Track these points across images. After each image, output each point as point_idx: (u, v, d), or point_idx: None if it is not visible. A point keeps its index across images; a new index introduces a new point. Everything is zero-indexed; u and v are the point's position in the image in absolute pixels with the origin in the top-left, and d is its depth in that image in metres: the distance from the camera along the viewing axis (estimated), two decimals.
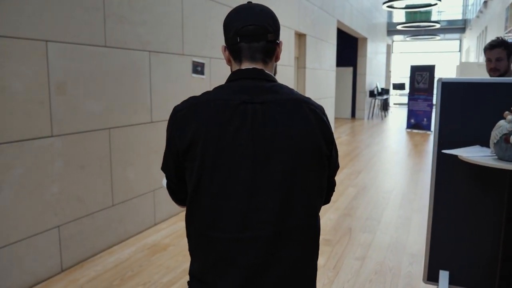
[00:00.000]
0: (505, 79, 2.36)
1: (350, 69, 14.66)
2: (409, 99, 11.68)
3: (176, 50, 3.86)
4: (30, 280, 2.66)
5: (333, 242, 3.51)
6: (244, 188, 1.02)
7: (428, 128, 11.30)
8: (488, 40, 10.75)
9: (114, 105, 3.18)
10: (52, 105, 2.71)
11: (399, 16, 20.26)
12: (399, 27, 17.37)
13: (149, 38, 3.50)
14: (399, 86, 19.42)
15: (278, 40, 1.18)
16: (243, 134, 1.03)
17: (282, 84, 1.14)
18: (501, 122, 2.04)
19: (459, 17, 19.34)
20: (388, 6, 13.72)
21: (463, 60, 20.39)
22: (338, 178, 5.75)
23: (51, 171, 2.72)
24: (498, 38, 3.06)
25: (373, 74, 15.80)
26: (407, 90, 20.07)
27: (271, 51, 1.15)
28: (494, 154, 2.09)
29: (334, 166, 1.22)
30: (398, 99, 22.75)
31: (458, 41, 22.43)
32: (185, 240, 3.23)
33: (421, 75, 11.41)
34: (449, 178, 2.49)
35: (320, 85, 8.69)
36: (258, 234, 1.03)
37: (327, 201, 1.27)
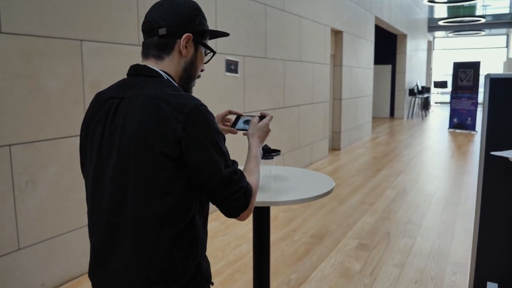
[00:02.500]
0: None
1: (389, 67, 14.24)
2: (451, 98, 11.20)
3: None
4: (63, 276, 2.68)
5: (370, 247, 3.36)
6: (92, 178, 1.13)
7: (472, 128, 10.79)
8: None
9: None
10: (86, 103, 2.72)
11: (440, 12, 19.50)
12: (441, 23, 16.71)
13: None
14: (441, 84, 18.70)
15: (179, 35, 1.16)
16: (98, 128, 1.12)
17: (157, 80, 1.13)
18: None
19: (506, 11, 18.38)
20: (429, 1, 13.22)
21: (510, 56, 19.40)
22: (376, 179, 5.56)
23: None
24: None
25: (413, 72, 15.28)
26: (449, 88, 19.38)
27: (166, 46, 1.16)
28: None
29: (208, 175, 1.05)
30: (440, 97, 21.95)
31: (505, 36, 21.34)
32: None
33: (465, 72, 10.91)
34: (498, 181, 2.31)
35: (357, 84, 8.46)
36: (98, 221, 1.12)
37: (228, 213, 1.12)
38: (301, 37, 5.69)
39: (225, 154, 1.09)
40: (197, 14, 1.20)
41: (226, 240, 3.50)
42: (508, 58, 8.93)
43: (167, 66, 1.17)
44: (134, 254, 1.06)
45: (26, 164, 2.44)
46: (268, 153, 1.73)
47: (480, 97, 13.18)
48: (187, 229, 1.08)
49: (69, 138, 2.65)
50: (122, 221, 1.07)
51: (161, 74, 1.14)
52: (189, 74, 1.22)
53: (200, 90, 3.67)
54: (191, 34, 1.17)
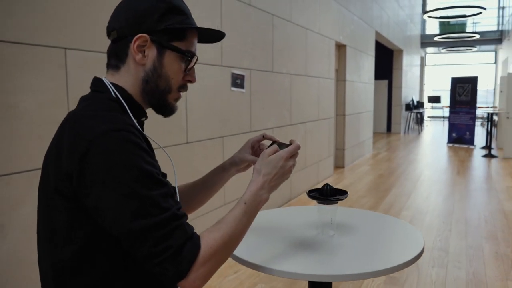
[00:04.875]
0: None
1: (386, 82, 14.15)
2: (450, 112, 11.07)
3: (213, 61, 3.51)
4: None
5: (400, 281, 3.04)
6: None
7: (471, 142, 10.63)
8: None
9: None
10: None
11: (431, 29, 19.63)
12: (436, 39, 16.78)
13: None
14: (435, 99, 18.71)
15: (130, 37, 0.91)
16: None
17: (95, 96, 0.93)
18: None
19: (494, 28, 18.58)
20: (429, 16, 13.24)
21: (499, 72, 19.53)
22: (388, 200, 5.26)
23: None
24: None
25: (408, 87, 15.21)
26: (442, 103, 19.38)
27: (119, 52, 0.94)
28: None
29: (110, 225, 0.80)
30: (432, 112, 21.95)
31: (493, 53, 21.55)
32: None
33: (463, 87, 10.81)
34: None
35: (359, 99, 8.23)
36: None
37: (160, 278, 0.82)
38: (307, 50, 5.44)
39: (140, 198, 0.79)
40: (159, 8, 0.92)
41: (237, 279, 3.12)
42: (508, 73, 8.79)
43: (122, 78, 0.95)
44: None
45: None
46: (329, 195, 1.28)
47: (478, 112, 13.16)
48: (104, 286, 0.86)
49: None
50: (43, 265, 0.93)
51: (108, 89, 0.92)
52: (155, 86, 0.95)
53: (202, 107, 3.35)
54: (146, 35, 0.91)
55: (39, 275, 0.96)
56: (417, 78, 17.71)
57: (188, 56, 0.96)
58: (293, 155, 0.99)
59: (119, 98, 0.92)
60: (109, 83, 0.94)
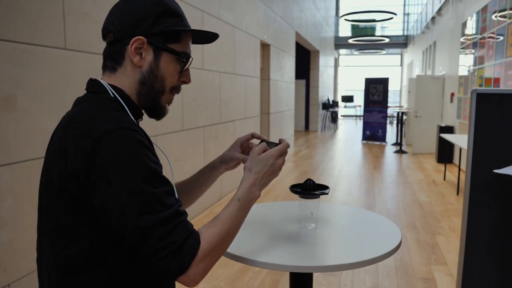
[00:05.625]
0: None
1: (303, 81, 14.61)
2: (364, 111, 11.75)
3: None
4: None
5: (338, 273, 3.12)
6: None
7: (383, 139, 11.39)
8: (438, 54, 11.14)
9: None
10: None
11: (344, 31, 20.72)
12: (350, 41, 17.72)
13: None
14: (348, 99, 19.79)
15: (128, 40, 0.94)
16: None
17: (94, 97, 0.94)
18: None
19: (400, 33, 20.13)
20: (346, 20, 13.92)
21: (404, 74, 21.19)
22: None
23: None
24: None
25: (324, 87, 15.88)
26: (355, 102, 20.57)
27: (116, 55, 0.96)
28: None
29: (115, 222, 0.82)
30: (345, 111, 23.21)
31: (399, 56, 23.35)
32: None
33: (376, 87, 11.52)
34: (484, 202, 2.19)
35: (282, 98, 8.39)
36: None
37: (158, 275, 0.85)
38: (235, 49, 5.39)
39: (146, 196, 0.81)
40: (155, 11, 0.94)
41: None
42: (417, 75, 9.55)
43: (119, 80, 0.96)
44: None
45: None
46: (312, 190, 1.27)
47: (389, 111, 14.18)
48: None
49: None
50: (44, 265, 0.93)
51: (105, 90, 0.94)
52: (151, 87, 0.97)
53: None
54: (143, 38, 0.93)
55: (38, 274, 0.97)
56: (331, 78, 18.58)
57: (183, 58, 0.98)
58: (283, 153, 1.03)
59: (117, 99, 0.93)
60: (107, 84, 0.95)
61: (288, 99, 9.05)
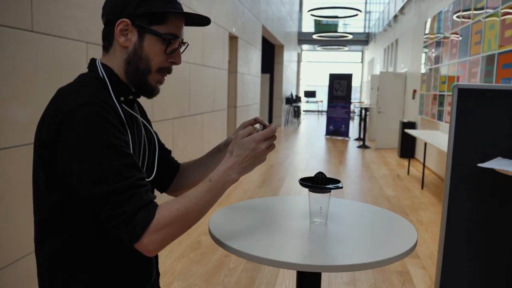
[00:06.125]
0: None
1: (268, 75, 14.59)
2: (328, 107, 11.88)
3: None
4: None
5: None
6: None
7: (346, 134, 11.57)
8: (400, 52, 11.44)
9: None
10: None
11: (306, 27, 20.89)
12: (315, 37, 17.88)
13: (88, 26, 2.77)
14: (310, 94, 19.99)
15: (115, 22, 1.00)
16: None
17: (83, 75, 1.04)
18: None
19: (362, 30, 20.53)
20: (312, 15, 13.99)
21: (365, 71, 21.68)
22: (283, 190, 5.39)
23: None
24: None
25: (288, 82, 15.95)
26: (317, 97, 20.82)
27: (107, 35, 1.04)
28: None
29: (76, 188, 0.90)
30: (307, 106, 23.46)
31: (360, 53, 23.83)
32: None
33: (339, 83, 11.67)
34: (464, 196, 2.23)
35: (248, 92, 8.32)
36: None
37: (106, 228, 0.92)
38: (204, 40, 5.26)
39: (103, 167, 0.88)
40: None
41: None
42: (381, 72, 9.75)
43: (111, 60, 1.04)
44: (41, 260, 1.02)
45: None
46: (323, 183, 1.19)
47: (352, 106, 14.42)
48: (73, 245, 0.97)
49: None
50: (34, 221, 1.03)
51: (96, 68, 1.02)
52: (136, 67, 1.02)
53: None
54: (128, 20, 0.99)
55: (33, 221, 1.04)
56: (295, 73, 18.70)
57: (166, 39, 1.00)
58: (268, 138, 1.01)
59: (104, 77, 1.00)
60: (99, 64, 1.03)
61: (254, 93, 8.99)
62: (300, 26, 19.61)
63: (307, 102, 22.74)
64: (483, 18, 4.80)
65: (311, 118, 19.41)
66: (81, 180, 0.88)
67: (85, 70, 1.06)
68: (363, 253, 1.07)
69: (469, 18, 5.29)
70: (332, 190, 1.19)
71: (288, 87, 15.96)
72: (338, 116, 11.73)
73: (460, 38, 5.59)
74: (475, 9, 5.08)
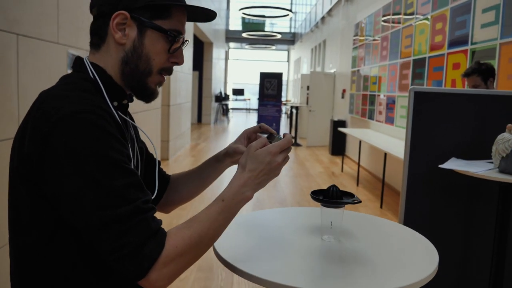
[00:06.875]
0: (479, 91, 2.30)
1: (197, 73, 14.34)
2: (259, 105, 11.94)
3: (48, 37, 2.82)
4: None
5: None
6: None
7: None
8: (328, 52, 11.80)
9: None
10: None
11: (234, 25, 20.90)
12: (244, 35, 17.90)
13: (17, 16, 2.43)
14: (239, 92, 20.03)
15: (109, 14, 0.86)
16: None
17: (70, 75, 0.88)
18: (505, 135, 1.91)
19: (287, 30, 20.98)
20: (244, 13, 13.97)
21: (291, 70, 22.21)
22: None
23: None
24: (473, 64, 2.86)
25: (217, 79, 15.82)
26: (245, 95, 20.92)
27: (99, 30, 0.89)
28: (493, 167, 1.97)
29: (68, 214, 0.75)
30: (235, 104, 23.49)
31: (286, 52, 24.35)
32: None
33: (270, 82, 11.76)
34: (420, 194, 2.29)
35: (180, 89, 8.06)
36: None
37: (105, 261, 0.76)
38: None
39: (102, 188, 0.72)
40: None
41: None
42: (311, 72, 10.00)
43: (102, 58, 0.89)
44: (12, 271, 0.85)
45: None
46: (336, 197, 1.08)
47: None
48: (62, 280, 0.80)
49: None
50: (10, 246, 0.86)
51: (85, 69, 0.86)
52: (135, 67, 0.88)
53: (38, 92, 2.65)
54: (126, 13, 0.84)
55: (9, 255, 0.88)
56: (223, 71, 18.61)
57: (171, 36, 0.88)
58: (284, 150, 0.89)
59: (96, 79, 0.85)
60: (88, 63, 0.87)
61: (186, 90, 8.75)
62: (227, 24, 19.56)
63: (236, 100, 22.78)
64: (414, 23, 5.05)
65: (240, 116, 19.44)
66: (75, 207, 0.73)
67: (13, 66, 0.87)
68: (378, 276, 0.96)
69: (399, 22, 5.55)
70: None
71: (217, 85, 15.82)
72: (269, 115, 11.81)
73: (390, 41, 5.86)
74: (405, 14, 5.34)
